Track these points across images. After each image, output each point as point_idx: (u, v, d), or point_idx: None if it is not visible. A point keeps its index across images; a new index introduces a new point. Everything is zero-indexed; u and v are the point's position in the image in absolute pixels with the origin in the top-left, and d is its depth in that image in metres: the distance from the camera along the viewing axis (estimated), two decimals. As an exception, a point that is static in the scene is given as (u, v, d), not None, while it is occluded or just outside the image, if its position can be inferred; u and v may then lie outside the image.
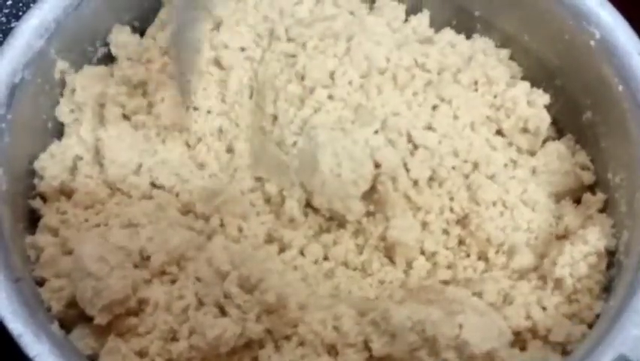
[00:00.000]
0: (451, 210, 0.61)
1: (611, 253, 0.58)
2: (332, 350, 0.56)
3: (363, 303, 0.58)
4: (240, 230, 0.61)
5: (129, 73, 0.64)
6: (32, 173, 0.61)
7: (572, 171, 0.63)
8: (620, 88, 0.59)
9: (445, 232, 0.62)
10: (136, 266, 0.56)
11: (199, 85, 0.64)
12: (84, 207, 0.61)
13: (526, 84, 0.65)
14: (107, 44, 0.66)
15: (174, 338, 0.54)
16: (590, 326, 0.56)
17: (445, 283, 0.60)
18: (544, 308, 0.57)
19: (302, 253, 0.62)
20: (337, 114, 0.62)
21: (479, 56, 0.66)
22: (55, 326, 0.54)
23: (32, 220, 0.61)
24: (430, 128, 0.62)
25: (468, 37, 0.69)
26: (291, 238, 0.61)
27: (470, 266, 0.60)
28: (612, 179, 0.61)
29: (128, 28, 0.66)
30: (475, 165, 0.62)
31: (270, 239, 0.62)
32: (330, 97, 0.62)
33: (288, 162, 0.62)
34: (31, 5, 0.61)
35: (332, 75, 0.62)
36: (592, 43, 0.61)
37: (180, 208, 0.62)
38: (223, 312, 0.55)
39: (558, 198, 0.63)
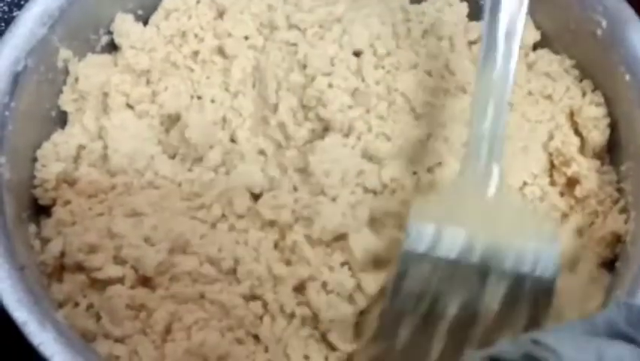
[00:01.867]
0: None
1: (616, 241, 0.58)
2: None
3: None
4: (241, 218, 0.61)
5: (133, 62, 0.64)
6: (35, 162, 0.61)
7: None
8: (627, 78, 0.59)
9: None
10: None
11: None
12: (87, 196, 0.60)
13: None
14: (110, 33, 0.66)
15: None
16: None
17: None
18: None
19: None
20: (338, 102, 0.62)
21: None
22: (60, 314, 0.54)
23: (35, 209, 0.60)
24: None
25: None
26: None
27: None
28: (619, 168, 0.60)
29: (131, 17, 0.66)
30: None
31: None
32: (330, 85, 0.62)
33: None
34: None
35: (332, 61, 0.62)
36: (598, 32, 0.61)
37: (184, 197, 0.61)
38: None
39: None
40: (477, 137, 0.54)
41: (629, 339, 0.39)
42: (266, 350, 0.55)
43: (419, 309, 0.52)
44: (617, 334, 0.39)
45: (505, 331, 0.51)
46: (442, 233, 0.51)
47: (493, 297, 0.51)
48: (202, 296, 0.56)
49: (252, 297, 0.57)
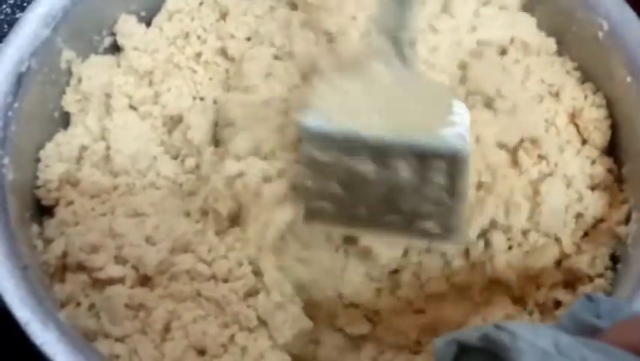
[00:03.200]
0: None
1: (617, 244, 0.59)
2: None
3: None
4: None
5: (136, 63, 0.64)
6: (38, 162, 0.61)
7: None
8: (628, 79, 0.59)
9: None
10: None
11: None
12: (90, 197, 0.60)
13: None
14: (113, 34, 0.66)
15: None
16: None
17: None
18: None
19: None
20: None
21: None
22: (62, 314, 0.54)
23: (38, 209, 0.60)
24: None
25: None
26: None
27: None
28: (620, 170, 0.60)
29: (134, 18, 0.66)
30: None
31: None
32: None
33: None
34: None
35: None
36: (600, 34, 0.61)
37: (185, 197, 0.62)
38: None
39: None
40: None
41: (596, 330, 0.39)
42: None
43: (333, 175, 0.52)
44: (583, 326, 0.39)
45: (424, 199, 0.52)
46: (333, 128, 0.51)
47: (403, 170, 0.51)
48: (199, 294, 0.56)
49: (248, 294, 0.57)
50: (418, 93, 0.52)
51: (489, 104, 0.61)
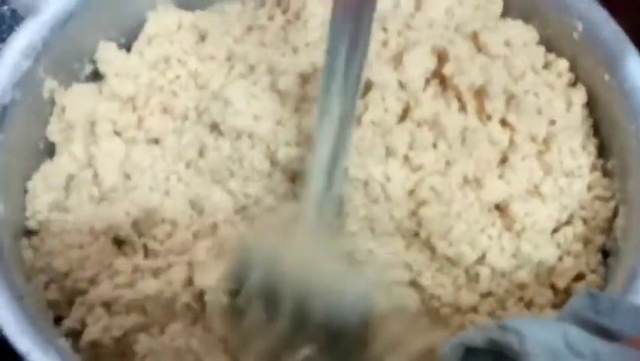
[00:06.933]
0: None
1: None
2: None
3: None
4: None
5: (118, 89, 0.64)
6: (26, 193, 0.61)
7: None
8: (606, 77, 0.60)
9: None
10: None
11: None
12: (79, 224, 0.60)
13: None
14: (93, 62, 0.66)
15: None
16: None
17: None
18: None
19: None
20: None
21: None
22: (62, 341, 0.54)
23: (29, 239, 0.60)
24: None
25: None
26: None
27: None
28: (605, 165, 0.61)
29: (114, 45, 0.66)
30: None
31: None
32: None
33: None
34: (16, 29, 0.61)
35: None
36: (575, 35, 0.62)
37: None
38: None
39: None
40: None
41: (595, 326, 0.40)
42: None
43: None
44: (582, 321, 0.40)
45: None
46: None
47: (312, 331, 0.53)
48: None
49: None
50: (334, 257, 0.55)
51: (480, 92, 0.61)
